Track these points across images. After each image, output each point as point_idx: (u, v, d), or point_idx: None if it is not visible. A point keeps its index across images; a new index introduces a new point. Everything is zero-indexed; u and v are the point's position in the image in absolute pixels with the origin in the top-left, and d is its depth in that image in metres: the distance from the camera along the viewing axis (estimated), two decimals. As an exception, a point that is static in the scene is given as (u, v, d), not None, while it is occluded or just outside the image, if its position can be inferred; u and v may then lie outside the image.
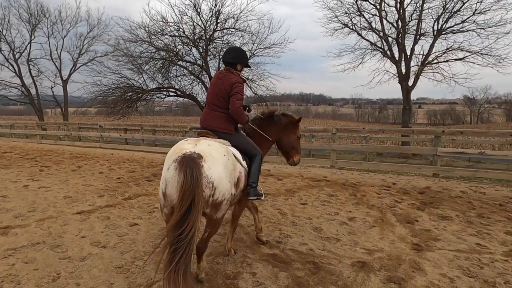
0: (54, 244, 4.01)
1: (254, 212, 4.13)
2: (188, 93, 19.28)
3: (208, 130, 3.42)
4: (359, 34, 17.79)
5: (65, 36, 27.00)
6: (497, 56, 15.01)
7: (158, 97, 20.20)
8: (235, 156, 3.17)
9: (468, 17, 15.42)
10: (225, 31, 18.33)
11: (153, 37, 17.92)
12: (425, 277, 3.31)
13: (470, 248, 4.02)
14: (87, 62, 26.52)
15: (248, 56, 3.96)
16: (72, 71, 27.33)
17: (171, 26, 17.97)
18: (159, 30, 17.93)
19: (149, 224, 4.74)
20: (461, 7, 15.40)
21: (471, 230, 4.62)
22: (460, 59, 16.02)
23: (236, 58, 3.59)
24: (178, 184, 2.51)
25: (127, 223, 4.77)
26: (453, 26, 16.03)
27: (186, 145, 2.82)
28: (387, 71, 17.90)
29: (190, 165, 2.52)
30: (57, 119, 40.55)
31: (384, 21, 17.09)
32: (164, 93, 19.68)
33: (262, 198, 3.49)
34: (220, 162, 2.79)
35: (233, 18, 17.74)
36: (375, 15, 17.27)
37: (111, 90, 18.63)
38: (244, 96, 3.51)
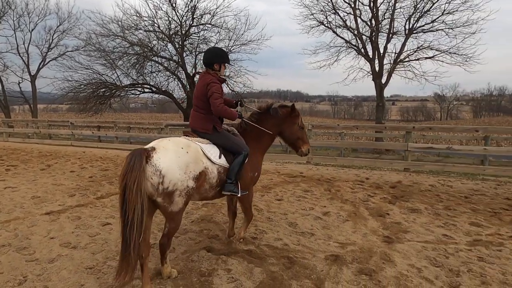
0: (20, 246, 3.85)
1: (230, 218, 4.12)
2: (164, 89, 18.92)
3: (193, 130, 3.58)
4: (334, 32, 18.05)
5: (33, 29, 25.68)
6: (464, 55, 15.67)
7: (132, 94, 19.73)
8: (203, 152, 3.24)
9: (438, 17, 16.00)
10: (201, 26, 18.10)
11: (126, 31, 17.42)
12: (395, 268, 3.43)
13: (437, 239, 4.20)
14: (57, 57, 25.30)
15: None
16: (41, 66, 26.05)
17: (146, 20, 17.55)
18: (133, 25, 17.46)
19: (122, 223, 4.63)
20: (431, 7, 15.95)
21: (439, 222, 4.83)
22: (430, 58, 16.61)
23: (210, 58, 3.64)
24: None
25: (99, 223, 4.65)
26: (423, 26, 16.58)
27: (151, 143, 3.07)
28: (361, 68, 18.28)
29: (132, 155, 2.77)
30: (25, 116, 38.74)
31: (358, 20, 17.42)
32: (139, 89, 19.23)
33: (238, 195, 3.49)
34: (172, 153, 2.94)
35: (210, 13, 17.54)
36: (350, 13, 17.57)
37: (82, 86, 17.99)
38: (221, 94, 3.49)
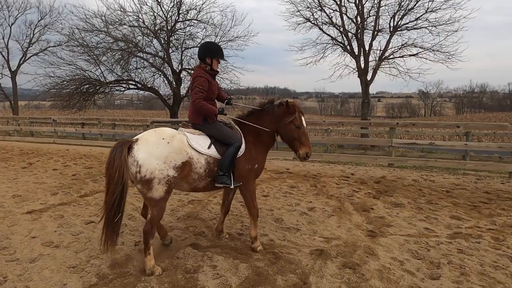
0: (0, 246, 3.76)
1: (222, 213, 4.11)
2: (149, 86, 18.66)
3: (189, 121, 3.75)
4: (321, 29, 18.17)
5: (12, 24, 25.02)
6: (446, 52, 16.06)
7: (117, 90, 19.38)
8: (188, 142, 3.34)
9: (421, 15, 16.34)
10: (187, 22, 17.92)
11: (110, 27, 17.09)
12: (378, 261, 3.49)
13: (419, 233, 4.30)
14: (38, 52, 24.68)
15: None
16: (21, 62, 25.37)
17: (130, 15, 17.26)
18: (117, 20, 17.14)
19: (107, 221, 4.56)
20: (414, 5, 16.26)
21: (421, 215, 4.94)
22: (414, 55, 16.94)
23: (202, 52, 3.74)
24: None
25: (82, 221, 4.58)
26: (407, 23, 16.90)
27: (139, 135, 3.31)
28: (347, 65, 18.49)
29: (115, 146, 3.09)
30: (5, 113, 37.69)
31: (344, 17, 17.59)
32: (124, 85, 18.90)
33: (231, 186, 3.47)
34: (151, 144, 3.14)
35: (196, 9, 17.38)
36: (336, 10, 17.71)
37: (65, 82, 17.56)
38: (202, 89, 3.53)
